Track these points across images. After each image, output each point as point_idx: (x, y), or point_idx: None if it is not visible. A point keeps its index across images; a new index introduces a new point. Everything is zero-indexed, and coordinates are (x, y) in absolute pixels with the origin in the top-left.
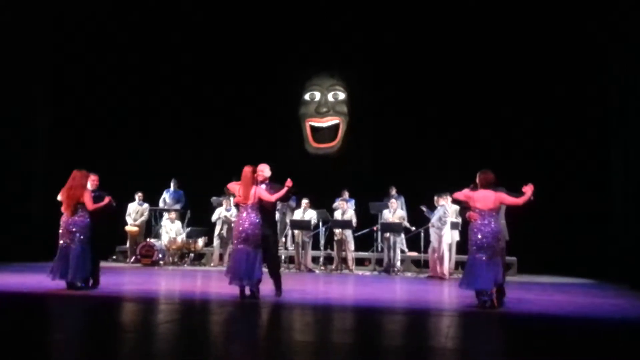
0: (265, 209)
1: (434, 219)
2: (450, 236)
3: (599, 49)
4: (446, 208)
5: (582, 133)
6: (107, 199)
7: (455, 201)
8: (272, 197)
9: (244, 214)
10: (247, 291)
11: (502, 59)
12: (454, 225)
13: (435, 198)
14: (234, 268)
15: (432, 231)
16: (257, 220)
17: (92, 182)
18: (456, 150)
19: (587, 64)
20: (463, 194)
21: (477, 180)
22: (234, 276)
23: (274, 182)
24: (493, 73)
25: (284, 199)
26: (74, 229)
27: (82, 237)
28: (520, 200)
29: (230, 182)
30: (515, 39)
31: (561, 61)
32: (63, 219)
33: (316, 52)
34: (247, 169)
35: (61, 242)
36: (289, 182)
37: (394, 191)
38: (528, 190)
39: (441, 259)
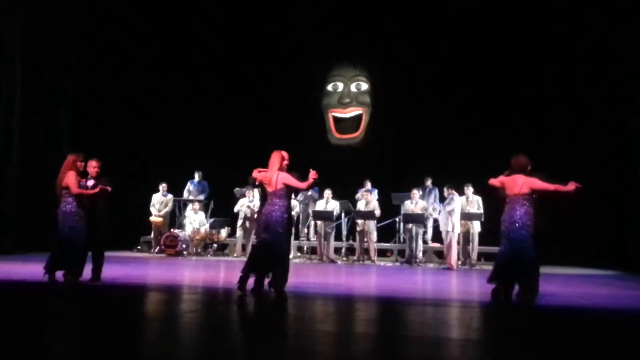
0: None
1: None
2: (459, 226)
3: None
4: (452, 198)
5: (608, 126)
6: (97, 189)
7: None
8: (303, 184)
9: (267, 202)
10: (266, 283)
11: (527, 47)
12: (464, 216)
13: (445, 190)
14: (252, 258)
15: (441, 222)
16: (277, 207)
17: (92, 168)
18: (479, 141)
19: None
20: (498, 180)
21: (511, 166)
22: (250, 266)
23: (292, 172)
24: (518, 63)
25: (305, 189)
26: (60, 218)
27: (66, 229)
28: (551, 186)
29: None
30: (541, 25)
31: (587, 47)
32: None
33: (339, 42)
34: (275, 154)
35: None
36: (314, 174)
37: (429, 182)
38: (571, 185)
39: (449, 249)
